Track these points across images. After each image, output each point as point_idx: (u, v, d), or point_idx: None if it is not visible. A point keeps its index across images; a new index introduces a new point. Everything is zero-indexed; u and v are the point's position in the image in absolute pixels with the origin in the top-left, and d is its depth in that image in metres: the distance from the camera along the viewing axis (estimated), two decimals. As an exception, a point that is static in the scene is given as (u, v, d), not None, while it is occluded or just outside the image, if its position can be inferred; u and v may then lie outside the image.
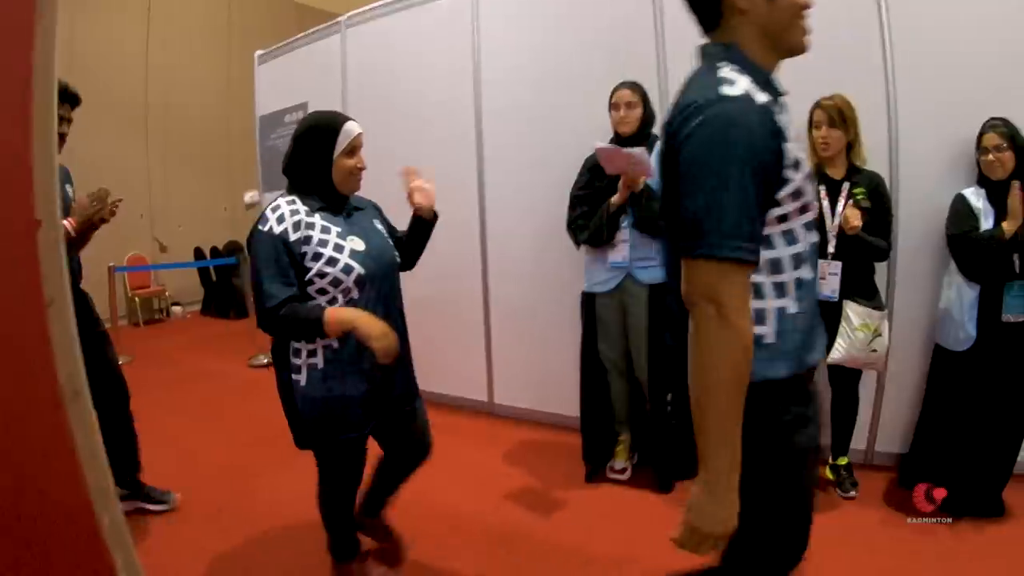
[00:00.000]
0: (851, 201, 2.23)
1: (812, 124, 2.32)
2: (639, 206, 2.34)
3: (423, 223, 1.81)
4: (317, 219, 1.55)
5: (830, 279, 2.27)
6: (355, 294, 1.57)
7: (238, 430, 3.31)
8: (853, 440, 2.50)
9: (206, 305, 6.75)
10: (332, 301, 1.55)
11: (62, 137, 2.00)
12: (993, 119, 2.11)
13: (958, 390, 2.24)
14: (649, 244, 2.39)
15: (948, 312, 2.26)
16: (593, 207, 2.45)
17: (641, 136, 2.43)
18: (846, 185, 2.28)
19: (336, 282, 1.53)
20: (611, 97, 2.47)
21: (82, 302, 2.20)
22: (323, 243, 1.53)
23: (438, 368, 3.40)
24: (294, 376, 1.58)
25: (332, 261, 1.52)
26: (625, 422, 2.61)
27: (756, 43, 0.97)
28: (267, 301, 1.47)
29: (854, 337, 2.22)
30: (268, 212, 1.53)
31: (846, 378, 2.39)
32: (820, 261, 2.27)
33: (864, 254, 2.26)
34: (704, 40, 1.03)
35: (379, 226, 1.73)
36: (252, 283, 1.53)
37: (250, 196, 4.71)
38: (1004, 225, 2.05)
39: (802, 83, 2.33)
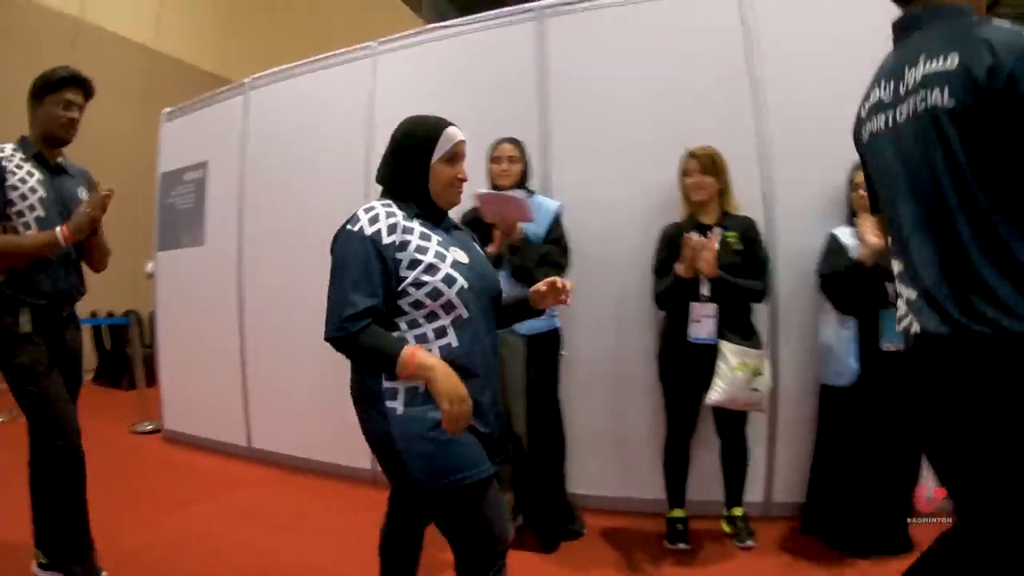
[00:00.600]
0: (711, 244, 2.20)
1: (684, 172, 2.38)
2: (516, 254, 2.31)
3: (528, 310, 1.55)
4: (416, 225, 1.36)
5: (705, 322, 2.23)
6: (461, 311, 1.33)
7: (114, 494, 2.99)
8: (751, 492, 2.44)
9: (99, 374, 6.41)
10: (431, 316, 1.32)
11: (73, 123, 2.01)
12: None
13: (849, 427, 2.24)
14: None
15: (829, 348, 2.28)
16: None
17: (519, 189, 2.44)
18: (716, 229, 2.28)
19: (436, 293, 1.31)
20: (492, 151, 2.49)
21: (58, 341, 2.04)
22: (422, 249, 1.33)
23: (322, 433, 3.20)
24: (388, 404, 1.29)
25: (432, 269, 1.31)
26: (505, 481, 2.44)
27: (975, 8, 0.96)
28: (344, 309, 1.25)
29: (733, 376, 2.17)
30: (360, 212, 1.35)
31: (732, 422, 2.33)
32: (694, 304, 2.25)
33: (736, 295, 2.25)
34: (906, 8, 1.02)
35: (479, 249, 1.53)
36: (329, 288, 1.31)
37: (151, 266, 4.50)
38: (859, 253, 2.15)
39: (674, 134, 2.47)
